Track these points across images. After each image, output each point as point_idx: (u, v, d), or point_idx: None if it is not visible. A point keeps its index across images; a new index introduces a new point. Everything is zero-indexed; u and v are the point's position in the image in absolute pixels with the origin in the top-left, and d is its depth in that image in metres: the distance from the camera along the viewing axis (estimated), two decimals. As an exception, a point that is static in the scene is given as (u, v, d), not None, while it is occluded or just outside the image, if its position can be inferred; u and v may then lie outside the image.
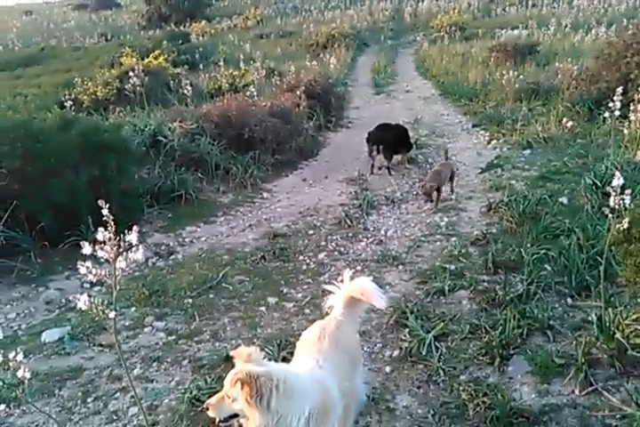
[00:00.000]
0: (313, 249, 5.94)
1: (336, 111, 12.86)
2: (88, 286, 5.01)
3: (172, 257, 5.83)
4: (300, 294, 4.96)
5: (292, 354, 3.94)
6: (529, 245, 5.22)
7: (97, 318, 4.18)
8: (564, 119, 9.29)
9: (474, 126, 11.51)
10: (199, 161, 8.13)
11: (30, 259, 5.34)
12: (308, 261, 5.67)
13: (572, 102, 10.43)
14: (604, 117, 7.28)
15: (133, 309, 4.74)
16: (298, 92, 11.44)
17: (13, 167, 5.87)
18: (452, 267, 5.23)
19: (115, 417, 3.53)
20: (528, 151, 8.91)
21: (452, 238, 5.96)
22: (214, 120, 9.15)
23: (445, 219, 6.57)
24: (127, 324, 4.53)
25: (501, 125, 10.75)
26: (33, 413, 3.52)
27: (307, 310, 4.72)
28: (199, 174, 7.87)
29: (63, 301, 4.87)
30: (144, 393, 3.69)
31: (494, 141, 9.93)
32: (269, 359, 3.80)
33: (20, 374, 2.51)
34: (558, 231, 5.54)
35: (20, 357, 2.51)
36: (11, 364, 2.51)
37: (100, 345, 4.24)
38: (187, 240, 6.26)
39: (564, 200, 6.42)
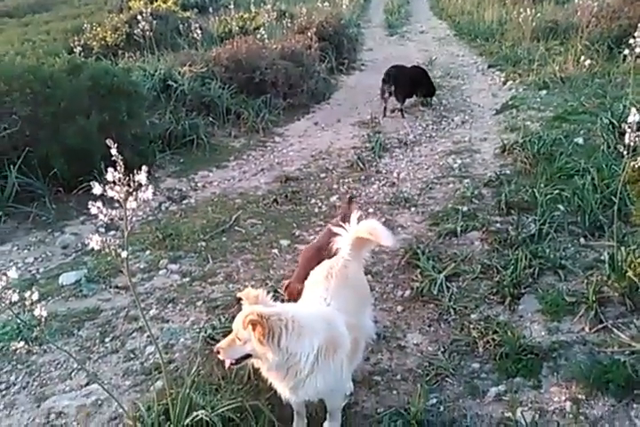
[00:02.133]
0: (325, 192, 5.93)
1: (348, 53, 12.56)
2: (103, 230, 5.06)
3: (184, 201, 5.85)
4: (312, 237, 4.98)
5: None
6: (542, 185, 5.18)
7: (112, 261, 4.30)
8: (582, 58, 9.00)
9: (489, 67, 11.22)
10: (210, 105, 8.05)
11: (45, 204, 5.39)
12: (319, 204, 5.68)
13: (592, 41, 10.08)
14: (624, 55, 7.05)
15: (148, 252, 4.81)
16: (309, 34, 11.18)
17: (24, 113, 5.84)
18: (465, 208, 5.21)
19: (132, 356, 3.63)
20: (544, 92, 8.69)
21: (465, 180, 5.91)
22: (224, 64, 8.99)
23: (459, 161, 6.49)
24: (142, 266, 4.60)
25: (517, 66, 10.47)
26: (54, 352, 3.63)
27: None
28: (210, 119, 7.81)
29: (79, 245, 4.94)
30: (160, 333, 3.79)
31: (510, 82, 9.69)
32: (282, 301, 3.92)
33: (37, 313, 2.56)
34: (573, 172, 5.47)
35: (35, 296, 2.56)
36: (27, 303, 2.57)
37: (117, 287, 4.32)
38: (199, 185, 6.27)
39: (580, 140, 6.30)
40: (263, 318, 2.43)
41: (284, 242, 4.93)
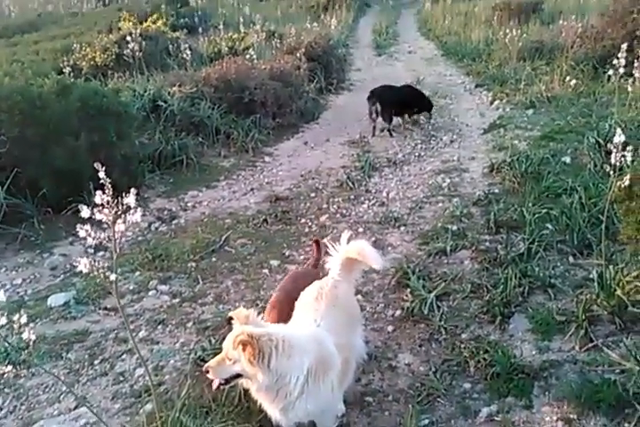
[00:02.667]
0: (315, 212, 5.94)
1: (337, 73, 12.67)
2: (92, 251, 5.04)
3: (174, 222, 5.84)
4: (302, 257, 4.98)
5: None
6: (531, 204, 5.23)
7: (101, 283, 4.24)
8: (568, 78, 9.16)
9: (477, 86, 11.37)
10: (200, 125, 8.08)
11: (34, 225, 5.35)
12: (309, 223, 5.68)
13: (577, 61, 10.27)
14: (609, 75, 7.18)
15: (137, 273, 4.78)
16: (298, 55, 11.27)
17: (13, 134, 5.83)
18: (454, 227, 5.23)
19: (121, 378, 3.59)
20: (531, 111, 8.81)
21: (454, 199, 5.95)
22: (214, 84, 9.04)
23: (447, 180, 6.54)
24: (131, 288, 4.57)
25: (504, 85, 10.62)
26: (42, 375, 3.58)
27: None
28: (200, 139, 7.82)
29: (68, 266, 4.90)
30: (150, 355, 3.76)
31: (497, 101, 9.82)
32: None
33: (25, 336, 2.53)
34: (560, 190, 5.53)
35: (24, 319, 2.53)
36: (15, 326, 2.54)
37: (106, 309, 4.28)
38: (189, 205, 6.26)
39: (567, 159, 6.37)
40: (253, 339, 2.43)
41: (275, 262, 4.93)
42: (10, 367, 2.56)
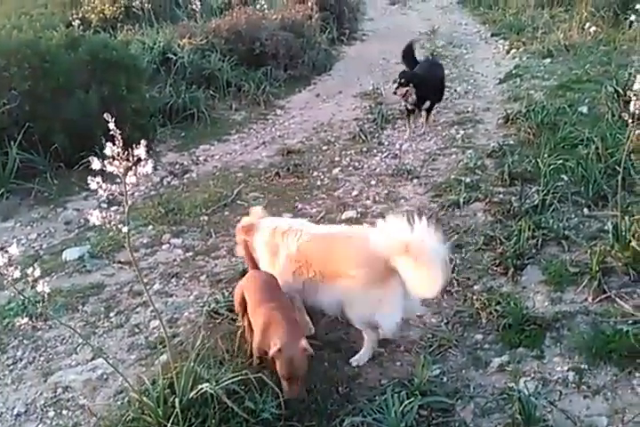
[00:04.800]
0: (327, 165, 5.89)
1: (349, 23, 12.35)
2: (105, 205, 5.05)
3: (186, 176, 5.83)
4: (314, 210, 4.97)
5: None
6: (546, 155, 5.11)
7: (115, 237, 4.32)
8: (587, 25, 8.84)
9: (492, 35, 11.06)
10: (210, 78, 7.97)
11: (47, 180, 5.38)
12: (322, 176, 5.64)
13: (597, 7, 9.85)
14: (630, 22, 6.90)
15: (150, 227, 4.80)
16: (310, 4, 10.97)
17: (23, 88, 5.78)
18: (468, 179, 5.17)
19: (137, 330, 3.65)
20: (548, 60, 8.56)
21: (467, 151, 5.86)
22: (224, 35, 8.88)
23: (461, 131, 6.43)
24: (145, 241, 4.61)
25: (521, 34, 10.31)
26: (59, 327, 3.65)
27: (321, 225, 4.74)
28: (211, 92, 7.72)
29: (81, 221, 4.94)
30: (164, 307, 3.80)
31: (514, 51, 9.54)
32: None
33: (39, 289, 2.57)
34: (577, 141, 5.41)
35: (37, 272, 2.56)
36: (29, 279, 2.57)
37: (120, 262, 4.33)
38: (200, 159, 6.24)
39: (584, 109, 6.21)
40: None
41: (287, 215, 4.91)
42: (27, 320, 2.61)
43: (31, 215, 5.07)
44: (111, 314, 3.80)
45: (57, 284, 4.05)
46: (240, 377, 2.90)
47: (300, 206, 5.08)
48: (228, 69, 8.14)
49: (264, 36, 8.95)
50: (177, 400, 2.72)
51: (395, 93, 6.37)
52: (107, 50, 6.66)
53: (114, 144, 2.39)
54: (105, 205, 5.05)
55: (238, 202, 5.21)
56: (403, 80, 6.27)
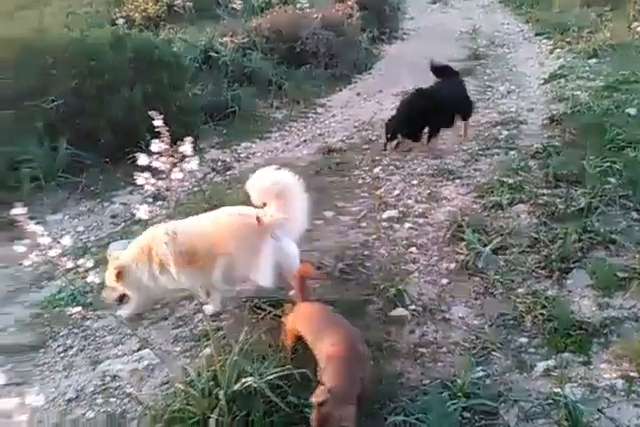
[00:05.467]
0: (368, 163, 5.88)
1: (390, 22, 12.32)
2: (151, 200, 5.15)
3: (228, 172, 5.90)
4: (355, 208, 4.98)
5: (349, 266, 4.07)
6: (592, 157, 5.02)
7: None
8: (635, 24, 8.62)
9: (536, 35, 10.89)
10: (251, 76, 8.06)
11: (94, 175, 5.50)
12: (363, 175, 5.64)
13: (646, 5, 9.64)
14: (679, 21, 6.72)
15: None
16: (350, 3, 10.97)
17: (71, 85, 5.93)
18: (511, 181, 5.10)
19: (181, 323, 3.71)
20: (594, 60, 8.40)
21: (511, 152, 5.79)
22: (265, 34, 8.96)
23: (505, 132, 6.35)
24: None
25: (566, 33, 10.12)
26: (107, 317, 3.75)
27: (363, 224, 4.75)
28: (252, 90, 7.78)
29: (127, 215, 5.05)
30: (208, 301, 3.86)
31: (558, 50, 9.39)
32: (328, 271, 3.91)
33: (89, 279, 2.63)
34: (624, 143, 5.29)
35: (90, 263, 2.63)
36: (80, 270, 2.64)
37: (165, 256, 4.40)
38: (242, 156, 6.31)
39: (632, 111, 6.07)
40: None
41: (328, 213, 4.93)
42: (79, 309, 2.69)
43: (79, 208, 5.20)
44: (157, 306, 3.86)
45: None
46: (283, 372, 2.94)
47: (341, 205, 5.09)
48: (269, 68, 8.20)
49: (305, 35, 8.98)
50: (222, 393, 2.76)
51: (385, 150, 6.16)
52: (151, 48, 6.78)
53: (160, 141, 2.45)
54: (150, 200, 5.14)
55: (279, 199, 5.23)
56: (389, 135, 6.08)
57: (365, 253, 4.26)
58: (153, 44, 6.94)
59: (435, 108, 5.92)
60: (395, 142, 6.09)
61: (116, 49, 6.52)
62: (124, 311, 3.69)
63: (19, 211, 2.44)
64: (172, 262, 3.30)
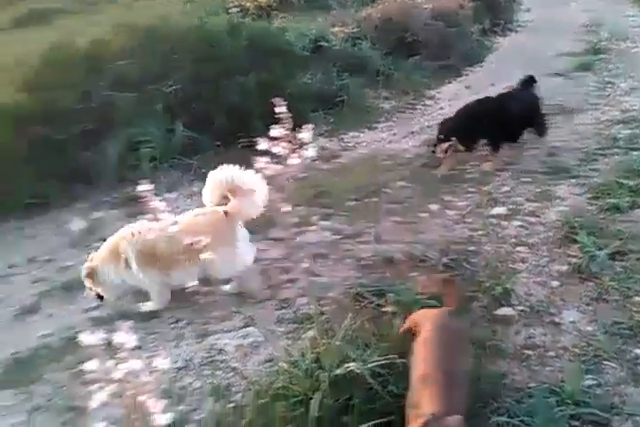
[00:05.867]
0: (477, 158, 5.72)
1: (504, 13, 11.91)
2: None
3: (335, 161, 5.94)
4: (462, 203, 4.88)
5: (453, 260, 4.01)
6: None
7: (268, 214, 4.50)
8: None
9: (665, 28, 10.15)
10: (360, 66, 8.03)
11: (207, 158, 5.71)
12: (472, 169, 5.51)
13: None
14: None
15: (301, 208, 4.96)
16: (462, -7, 10.69)
17: (189, 70, 6.18)
18: (631, 183, 4.81)
19: (284, 305, 3.79)
20: None
21: (632, 152, 5.46)
22: (375, 24, 8.92)
23: (626, 131, 6.01)
24: (295, 221, 4.75)
25: (701, 26, 9.37)
26: (214, 294, 3.85)
27: (469, 219, 4.65)
28: (361, 80, 7.78)
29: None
30: (311, 286, 3.92)
31: (691, 46, 8.71)
32: (432, 265, 3.85)
33: (203, 256, 2.76)
34: None
35: (206, 240, 2.76)
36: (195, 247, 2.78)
37: (272, 239, 4.51)
38: (349, 145, 6.34)
39: None
40: None
41: (434, 206, 4.87)
42: (196, 283, 2.82)
43: (192, 189, 5.42)
44: (262, 287, 3.97)
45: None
46: (386, 361, 2.94)
47: (447, 198, 5.00)
48: (378, 58, 8.17)
49: (415, 26, 8.87)
50: (325, 375, 2.81)
51: (434, 153, 5.62)
52: (265, 36, 6.94)
53: (281, 127, 2.53)
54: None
55: (384, 190, 5.23)
56: (442, 135, 5.51)
57: (471, 248, 4.18)
58: (268, 32, 7.11)
59: (497, 120, 5.44)
60: (446, 145, 5.48)
61: (233, 36, 6.73)
62: (146, 308, 3.89)
63: (145, 187, 2.60)
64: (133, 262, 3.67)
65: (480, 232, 4.37)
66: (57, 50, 6.39)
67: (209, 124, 5.95)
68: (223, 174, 3.86)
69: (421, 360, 2.57)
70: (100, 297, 3.87)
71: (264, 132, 2.70)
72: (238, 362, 3.29)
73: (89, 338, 1.93)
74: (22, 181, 5.06)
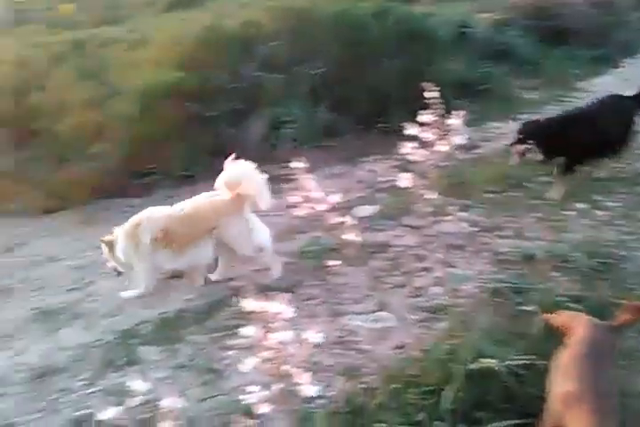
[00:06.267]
0: (629, 155, 5.32)
1: (670, 1, 10.90)
2: (396, 170, 5.28)
3: (474, 151, 5.79)
4: (613, 204, 4.58)
5: (602, 264, 3.77)
6: None
7: (403, 200, 4.49)
8: None
9: None
10: (506, 54, 7.74)
11: (348, 140, 5.78)
12: (623, 167, 5.20)
13: None
14: None
15: (438, 197, 4.88)
16: (626, -22, 9.92)
17: (335, 53, 6.25)
18: None
19: (417, 293, 3.77)
20: None
21: None
22: (524, 11, 8.54)
23: None
24: (431, 210, 4.70)
25: None
26: (348, 275, 3.90)
27: (619, 221, 4.35)
28: (505, 68, 7.49)
29: (373, 182, 5.23)
30: (446, 276, 3.86)
31: None
32: (576, 268, 3.65)
33: (347, 237, 2.77)
34: None
35: (352, 221, 2.77)
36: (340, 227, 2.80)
37: (407, 226, 4.50)
38: (490, 135, 6.14)
39: None
40: None
41: (580, 205, 4.61)
42: (339, 262, 2.87)
43: (331, 171, 5.52)
44: (395, 272, 3.98)
45: (347, 236, 4.35)
46: (526, 361, 2.84)
47: (596, 198, 4.71)
48: (525, 46, 7.82)
49: (567, 12, 8.38)
50: (461, 368, 2.76)
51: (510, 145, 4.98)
52: (411, 21, 6.84)
53: (431, 113, 2.49)
54: (396, 171, 5.27)
55: (526, 184, 5.03)
56: (520, 136, 4.86)
57: (622, 253, 3.91)
58: (414, 17, 7.01)
59: (578, 135, 4.71)
60: (522, 148, 4.85)
61: (380, 20, 6.69)
62: (128, 294, 4.05)
63: (299, 165, 2.65)
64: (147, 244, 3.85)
65: (633, 237, 4.08)
66: (210, 31, 6.70)
67: (351, 108, 6.00)
68: (242, 166, 3.99)
69: (567, 374, 2.25)
70: (118, 272, 4.09)
71: (405, 118, 2.66)
72: (369, 345, 3.32)
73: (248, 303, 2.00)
74: (175, 153, 5.39)
